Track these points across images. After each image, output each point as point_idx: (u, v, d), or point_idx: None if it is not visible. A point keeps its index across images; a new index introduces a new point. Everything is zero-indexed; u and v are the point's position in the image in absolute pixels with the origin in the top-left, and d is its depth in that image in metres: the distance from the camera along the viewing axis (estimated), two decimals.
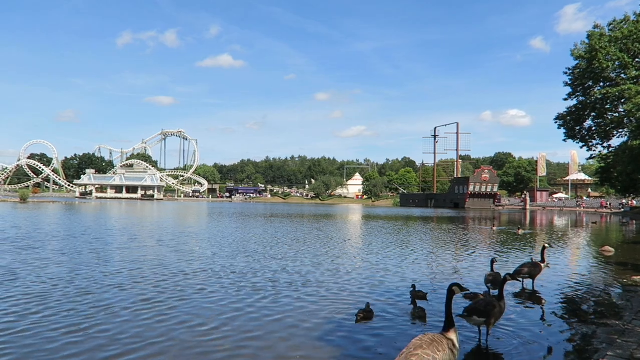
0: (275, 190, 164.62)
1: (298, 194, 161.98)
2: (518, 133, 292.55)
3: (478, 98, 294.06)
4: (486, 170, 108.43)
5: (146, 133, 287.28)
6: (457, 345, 4.74)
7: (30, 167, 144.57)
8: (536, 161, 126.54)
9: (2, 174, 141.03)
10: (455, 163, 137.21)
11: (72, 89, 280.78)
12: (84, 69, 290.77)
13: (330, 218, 41.95)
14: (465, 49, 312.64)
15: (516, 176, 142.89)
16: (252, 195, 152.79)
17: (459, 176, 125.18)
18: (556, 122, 54.66)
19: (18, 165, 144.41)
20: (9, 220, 27.99)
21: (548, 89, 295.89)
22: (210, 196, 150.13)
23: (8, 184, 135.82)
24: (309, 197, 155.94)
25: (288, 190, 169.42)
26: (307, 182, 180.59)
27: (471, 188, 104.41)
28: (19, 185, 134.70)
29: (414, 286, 8.68)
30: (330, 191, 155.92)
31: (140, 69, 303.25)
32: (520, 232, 25.89)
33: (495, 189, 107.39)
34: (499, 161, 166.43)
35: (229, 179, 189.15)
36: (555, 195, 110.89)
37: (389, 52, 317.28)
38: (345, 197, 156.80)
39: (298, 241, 19.36)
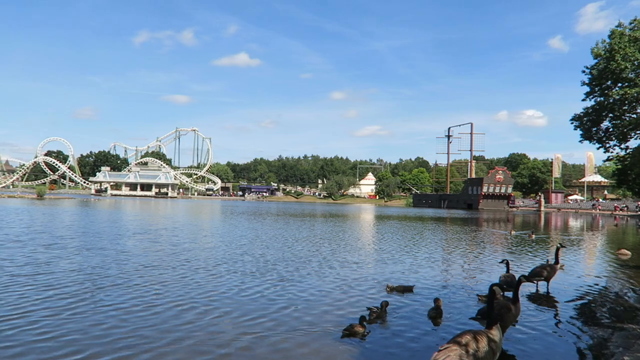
0: (287, 189, 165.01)
1: (310, 194, 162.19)
2: (533, 134, 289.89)
3: (493, 98, 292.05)
4: (500, 171, 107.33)
5: (161, 131, 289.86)
6: (499, 342, 4.75)
7: (47, 163, 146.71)
8: (551, 162, 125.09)
9: (20, 171, 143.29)
10: (469, 163, 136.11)
11: (89, 86, 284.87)
12: (102, 66, 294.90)
13: (342, 218, 41.95)
14: (481, 49, 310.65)
15: (531, 177, 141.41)
16: (264, 194, 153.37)
17: (473, 177, 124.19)
18: (572, 123, 53.88)
19: (35, 162, 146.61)
20: (31, 216, 28.47)
21: (566, 90, 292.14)
22: (224, 194, 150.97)
23: (25, 181, 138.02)
24: (321, 196, 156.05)
25: (300, 189, 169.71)
26: (319, 182, 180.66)
27: (485, 189, 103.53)
28: (35, 181, 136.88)
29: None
30: (342, 191, 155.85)
31: (157, 67, 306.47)
32: (533, 236, 24.26)
33: (509, 190, 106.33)
34: (514, 162, 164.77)
35: (242, 178, 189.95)
36: (570, 197, 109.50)
37: (405, 51, 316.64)
38: (357, 196, 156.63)
39: (313, 240, 19.41)
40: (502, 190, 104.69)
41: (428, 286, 10.25)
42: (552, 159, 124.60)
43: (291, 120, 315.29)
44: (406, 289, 9.55)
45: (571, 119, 54.06)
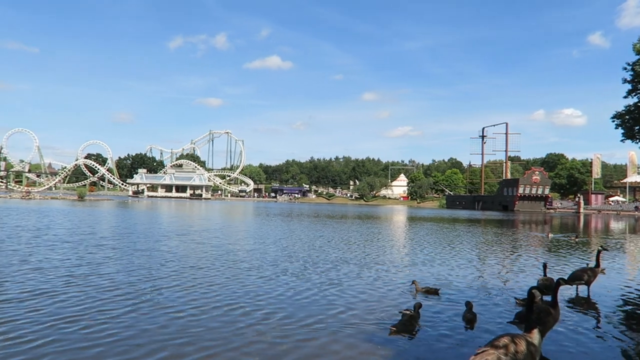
0: (319, 191, 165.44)
1: (342, 195, 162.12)
2: (572, 133, 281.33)
3: (530, 97, 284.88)
4: (537, 172, 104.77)
5: (195, 133, 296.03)
6: (538, 347, 4.68)
7: (87, 166, 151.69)
8: (591, 162, 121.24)
9: (62, 173, 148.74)
10: (504, 164, 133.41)
11: (126, 91, 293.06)
12: (139, 72, 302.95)
13: (376, 219, 41.82)
14: (517, 47, 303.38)
15: (569, 178, 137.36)
16: (296, 195, 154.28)
17: (508, 178, 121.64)
18: (613, 122, 52.02)
19: (76, 165, 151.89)
20: (76, 217, 29.57)
21: (606, 87, 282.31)
22: (256, 196, 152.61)
23: (67, 182, 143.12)
24: (352, 197, 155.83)
25: (332, 190, 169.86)
26: (351, 183, 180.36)
27: (521, 190, 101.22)
28: (76, 183, 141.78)
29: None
30: (374, 192, 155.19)
31: (191, 71, 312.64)
32: (576, 240, 23.47)
33: (547, 191, 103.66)
34: (551, 162, 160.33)
35: (274, 179, 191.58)
36: (611, 199, 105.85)
37: (438, 50, 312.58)
38: (389, 198, 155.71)
39: (349, 242, 19.49)
40: (539, 192, 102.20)
41: (463, 289, 10.18)
42: (591, 159, 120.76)
43: (322, 122, 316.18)
44: (431, 291, 9.53)
45: (612, 117, 52.20)
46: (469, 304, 7.72)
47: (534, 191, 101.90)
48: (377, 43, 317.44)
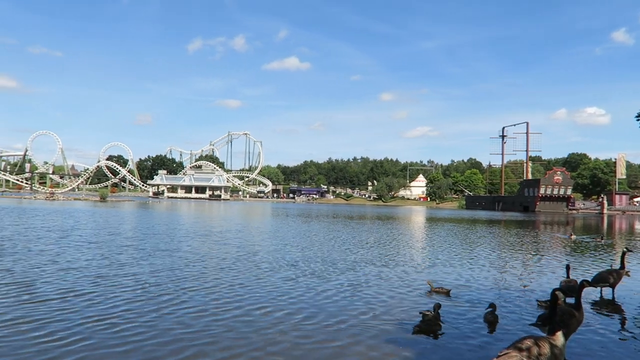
0: (337, 192, 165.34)
1: (360, 196, 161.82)
2: (595, 132, 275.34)
3: (551, 96, 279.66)
4: (558, 172, 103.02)
5: (214, 135, 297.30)
6: (562, 349, 4.62)
7: (108, 167, 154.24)
8: (614, 162, 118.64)
9: (84, 174, 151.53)
10: (525, 164, 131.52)
11: (146, 93, 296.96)
12: (158, 74, 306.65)
13: (395, 220, 41.69)
14: (537, 45, 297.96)
15: (592, 178, 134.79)
16: (314, 196, 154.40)
17: (529, 178, 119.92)
18: (638, 120, 51.09)
19: (98, 166, 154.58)
20: (100, 217, 30.18)
21: (631, 86, 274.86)
22: (274, 196, 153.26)
23: (89, 184, 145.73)
24: (371, 198, 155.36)
25: (350, 191, 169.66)
26: (369, 184, 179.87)
27: (542, 190, 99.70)
28: (98, 184, 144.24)
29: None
30: (393, 193, 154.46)
31: (210, 73, 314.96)
32: (602, 241, 23.21)
33: (569, 192, 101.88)
34: (573, 162, 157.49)
35: (292, 180, 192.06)
36: (636, 199, 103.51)
37: (457, 50, 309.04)
38: (408, 198, 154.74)
39: (369, 242, 19.51)
40: (561, 192, 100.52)
41: (483, 290, 10.15)
42: (615, 159, 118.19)
43: (340, 123, 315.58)
44: (443, 292, 9.68)
45: (637, 116, 51.31)
46: (493, 306, 7.68)
47: (555, 192, 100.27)
48: (395, 43, 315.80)
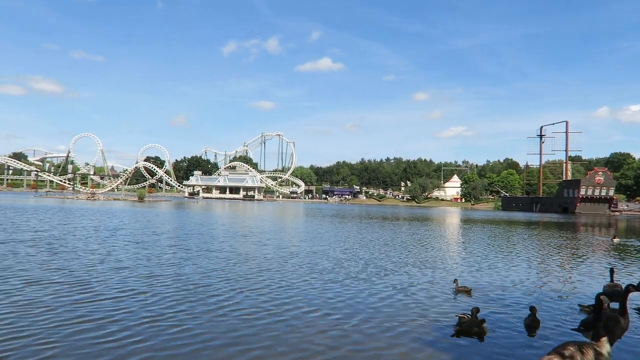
0: (370, 192, 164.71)
1: (393, 196, 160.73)
2: (639, 131, 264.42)
3: (592, 94, 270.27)
4: (600, 172, 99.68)
5: (247, 136, 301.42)
6: (607, 356, 4.51)
7: (146, 168, 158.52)
8: None
9: (123, 175, 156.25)
10: (564, 164, 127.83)
11: (182, 96, 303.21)
12: (194, 76, 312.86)
13: (430, 221, 41.35)
14: (577, 41, 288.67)
15: (636, 179, 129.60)
16: (347, 196, 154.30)
17: (569, 178, 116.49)
18: None
19: (136, 167, 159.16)
20: (142, 217, 31.19)
21: None
22: (307, 197, 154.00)
23: (128, 184, 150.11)
24: (404, 199, 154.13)
25: (383, 192, 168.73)
26: (402, 184, 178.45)
27: (582, 191, 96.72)
28: (136, 185, 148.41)
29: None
30: (426, 193, 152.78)
31: (244, 75, 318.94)
32: None
33: (611, 193, 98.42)
34: (616, 162, 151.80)
35: (324, 181, 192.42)
36: None
37: (492, 48, 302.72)
38: (442, 199, 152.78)
39: (405, 244, 19.54)
40: (603, 193, 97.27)
41: (522, 294, 10.10)
42: None
43: (373, 123, 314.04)
44: (465, 290, 9.89)
45: None
46: (533, 309, 7.62)
47: (596, 193, 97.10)
48: (428, 42, 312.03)
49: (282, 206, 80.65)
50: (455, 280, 10.36)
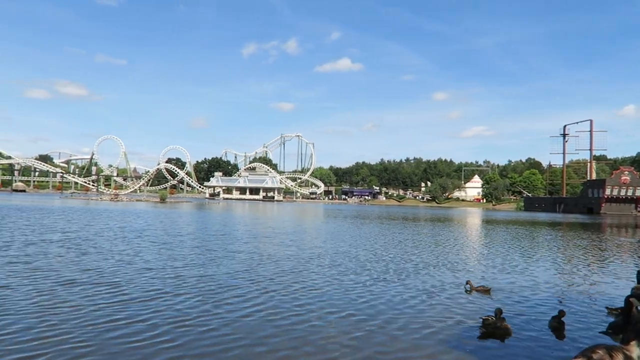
0: (389, 193, 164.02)
1: (412, 197, 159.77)
2: None
3: (617, 92, 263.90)
4: (626, 172, 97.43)
5: (267, 137, 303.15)
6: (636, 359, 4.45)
7: (167, 170, 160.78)
8: None
9: (145, 177, 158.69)
10: (588, 164, 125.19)
11: (202, 97, 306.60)
12: (214, 78, 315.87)
13: (451, 222, 41.03)
14: (601, 37, 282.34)
15: None
16: (366, 197, 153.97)
17: (593, 178, 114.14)
18: None
19: (158, 169, 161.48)
20: (166, 218, 31.71)
21: None
22: (326, 198, 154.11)
23: (150, 185, 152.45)
24: (424, 199, 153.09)
25: (403, 192, 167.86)
26: (422, 185, 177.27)
27: (608, 192, 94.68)
28: (158, 186, 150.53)
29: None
30: (447, 194, 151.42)
31: (263, 76, 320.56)
32: None
33: (638, 193, 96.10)
34: None
35: (344, 181, 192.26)
36: None
37: (513, 46, 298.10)
38: (463, 200, 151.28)
39: (428, 245, 19.49)
40: (629, 193, 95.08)
41: (548, 295, 10.02)
42: None
43: (392, 123, 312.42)
44: (484, 290, 9.89)
45: None
46: (561, 312, 7.54)
47: (622, 193, 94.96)
48: (447, 41, 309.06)
49: (302, 207, 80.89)
50: (468, 281, 10.40)
